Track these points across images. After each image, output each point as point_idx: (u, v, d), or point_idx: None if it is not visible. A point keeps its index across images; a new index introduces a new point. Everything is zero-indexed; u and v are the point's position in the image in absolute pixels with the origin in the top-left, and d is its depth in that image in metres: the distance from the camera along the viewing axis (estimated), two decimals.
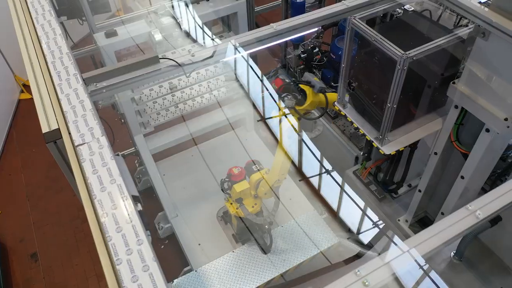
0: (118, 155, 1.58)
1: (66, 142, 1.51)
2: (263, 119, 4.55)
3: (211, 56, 1.97)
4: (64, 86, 1.65)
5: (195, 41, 3.54)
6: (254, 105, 4.70)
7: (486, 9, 2.07)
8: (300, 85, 2.88)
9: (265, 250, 3.71)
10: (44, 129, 1.59)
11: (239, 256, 3.74)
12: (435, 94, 2.60)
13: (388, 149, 2.58)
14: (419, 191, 3.08)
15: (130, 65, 1.78)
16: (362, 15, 2.37)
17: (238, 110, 4.53)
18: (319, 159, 3.79)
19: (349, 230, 3.86)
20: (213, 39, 3.48)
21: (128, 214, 1.25)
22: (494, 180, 2.84)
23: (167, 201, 4.11)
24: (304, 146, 3.26)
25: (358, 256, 3.62)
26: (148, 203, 4.49)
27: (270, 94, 4.06)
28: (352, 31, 2.42)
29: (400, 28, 2.58)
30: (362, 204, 3.50)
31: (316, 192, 4.21)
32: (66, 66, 1.74)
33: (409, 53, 2.15)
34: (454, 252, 3.13)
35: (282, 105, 2.90)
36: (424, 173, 2.96)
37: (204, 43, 3.47)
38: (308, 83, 2.89)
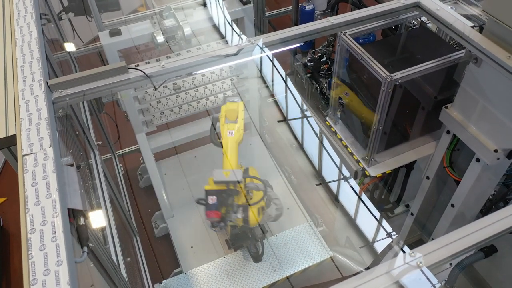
0: (72, 165, 1.56)
1: (18, 150, 1.51)
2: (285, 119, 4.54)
3: None
4: (27, 92, 1.65)
5: (226, 39, 3.52)
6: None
7: (479, 34, 1.94)
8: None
9: (256, 259, 3.66)
10: (1, 134, 1.59)
11: (229, 262, 3.71)
12: (428, 117, 2.49)
13: (374, 171, 2.48)
14: (412, 214, 2.97)
15: (97, 74, 1.76)
16: (352, 32, 2.28)
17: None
18: (338, 165, 3.71)
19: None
20: (240, 37, 3.42)
21: (55, 232, 1.23)
22: (488, 209, 2.70)
23: (165, 200, 4.12)
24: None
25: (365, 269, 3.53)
26: (148, 200, 4.52)
27: (292, 95, 4.01)
28: (342, 47, 2.34)
29: (404, 44, 2.47)
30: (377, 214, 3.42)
31: (325, 200, 4.13)
32: (33, 71, 1.73)
33: (394, 75, 2.05)
34: (446, 280, 3.01)
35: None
36: (417, 196, 2.85)
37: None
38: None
